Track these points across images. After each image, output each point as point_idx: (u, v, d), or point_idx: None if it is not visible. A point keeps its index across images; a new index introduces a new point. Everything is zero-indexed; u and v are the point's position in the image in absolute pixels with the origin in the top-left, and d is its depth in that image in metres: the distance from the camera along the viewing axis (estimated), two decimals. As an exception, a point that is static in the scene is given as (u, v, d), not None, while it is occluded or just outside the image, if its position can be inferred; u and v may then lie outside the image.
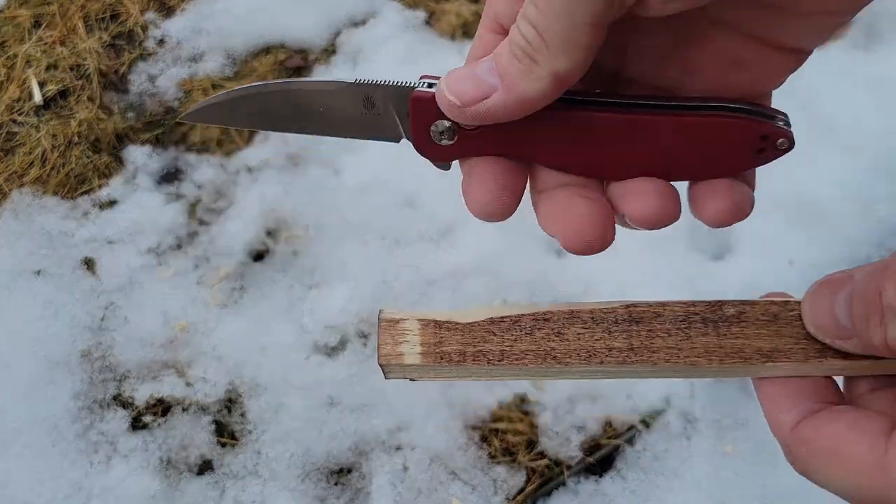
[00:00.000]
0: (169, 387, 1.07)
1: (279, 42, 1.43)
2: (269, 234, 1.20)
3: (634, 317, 0.33)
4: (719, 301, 0.33)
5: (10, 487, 0.99)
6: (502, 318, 0.33)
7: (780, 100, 0.33)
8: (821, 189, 1.19)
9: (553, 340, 0.32)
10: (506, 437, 1.03)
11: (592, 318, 0.33)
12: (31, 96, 1.36)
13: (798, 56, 0.31)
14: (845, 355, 0.30)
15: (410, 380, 0.34)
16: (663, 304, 0.33)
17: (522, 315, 0.33)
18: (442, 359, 0.32)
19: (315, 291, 1.14)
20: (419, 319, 0.33)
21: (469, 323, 0.33)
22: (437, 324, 0.33)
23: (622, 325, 0.32)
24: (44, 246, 1.19)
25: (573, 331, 0.33)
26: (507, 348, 0.33)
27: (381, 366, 0.33)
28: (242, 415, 1.05)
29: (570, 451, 1.01)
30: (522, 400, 1.05)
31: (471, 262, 1.14)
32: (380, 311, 0.33)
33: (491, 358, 0.32)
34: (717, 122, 0.31)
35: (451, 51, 1.40)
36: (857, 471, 0.26)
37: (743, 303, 0.33)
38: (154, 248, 1.19)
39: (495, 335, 0.33)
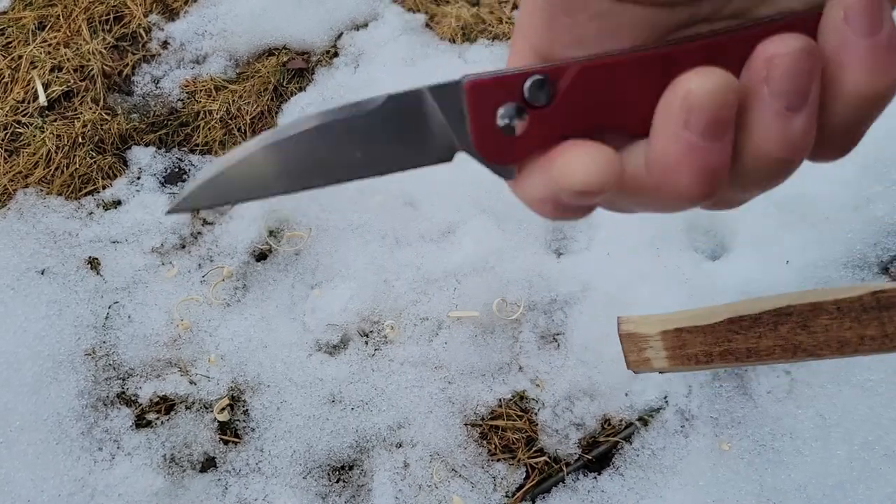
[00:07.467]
0: (172, 385, 1.08)
1: (282, 44, 1.44)
2: (272, 233, 1.21)
3: (883, 303, 0.31)
4: None
5: (15, 485, 1.00)
6: (741, 317, 0.32)
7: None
8: (818, 189, 1.20)
9: (799, 334, 0.32)
10: (505, 434, 1.04)
11: (838, 308, 0.31)
12: (35, 97, 1.37)
13: None
14: None
15: (660, 372, 0.34)
16: None
17: (762, 312, 0.32)
18: (689, 360, 0.32)
19: (317, 290, 1.15)
20: (661, 331, 0.33)
21: (710, 325, 0.32)
22: (679, 329, 0.32)
23: (872, 312, 0.31)
24: (48, 246, 1.20)
25: (820, 323, 0.31)
26: (753, 345, 0.32)
27: (631, 370, 0.33)
28: (245, 412, 1.06)
29: (569, 448, 1.02)
30: (522, 397, 1.06)
31: (471, 262, 1.15)
32: (618, 320, 0.33)
33: (739, 356, 0.32)
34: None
35: (452, 54, 1.41)
36: None
37: None
38: (158, 248, 1.20)
39: (738, 334, 0.32)
